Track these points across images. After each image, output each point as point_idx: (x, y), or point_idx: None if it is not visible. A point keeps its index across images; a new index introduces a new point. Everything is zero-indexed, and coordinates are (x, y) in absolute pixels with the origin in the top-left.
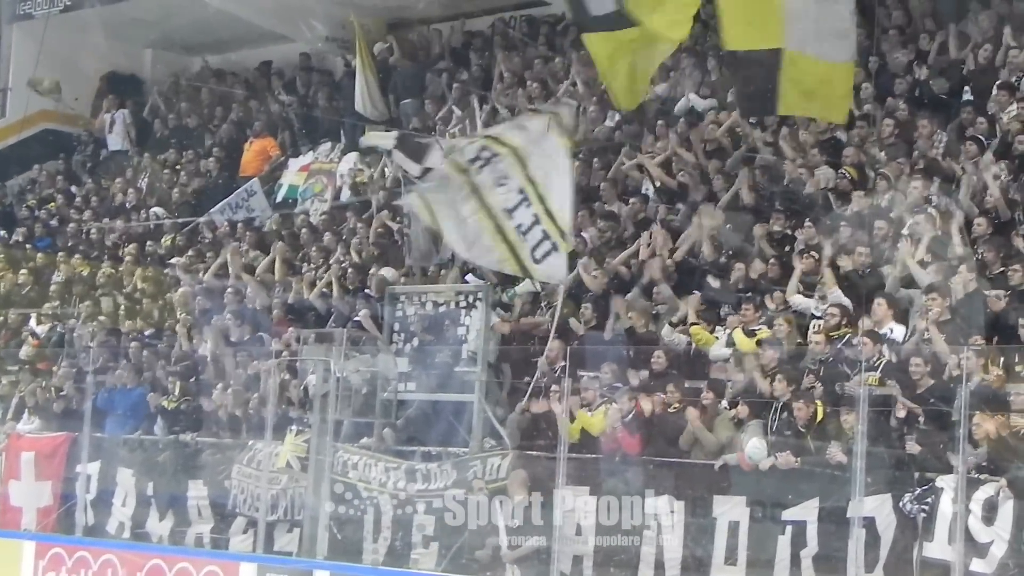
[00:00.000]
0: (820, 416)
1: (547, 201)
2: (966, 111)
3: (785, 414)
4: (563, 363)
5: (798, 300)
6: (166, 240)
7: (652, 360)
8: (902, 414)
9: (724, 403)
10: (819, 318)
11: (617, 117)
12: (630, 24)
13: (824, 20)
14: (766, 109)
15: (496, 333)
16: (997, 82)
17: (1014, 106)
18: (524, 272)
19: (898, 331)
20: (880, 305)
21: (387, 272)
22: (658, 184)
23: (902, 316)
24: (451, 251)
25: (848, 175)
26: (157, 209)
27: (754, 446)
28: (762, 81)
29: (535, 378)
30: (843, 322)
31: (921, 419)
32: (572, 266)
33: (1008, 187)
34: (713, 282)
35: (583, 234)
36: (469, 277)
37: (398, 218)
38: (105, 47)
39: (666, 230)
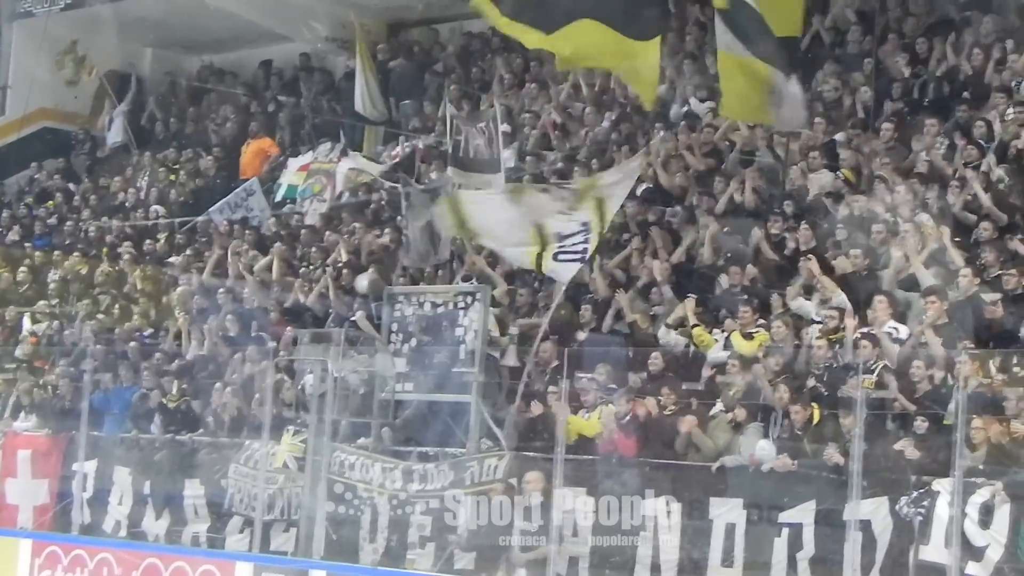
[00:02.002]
0: (817, 419)
1: (604, 230)
2: (964, 114)
3: (786, 419)
4: (556, 363)
5: (799, 303)
6: (160, 238)
7: (649, 362)
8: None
9: (721, 406)
10: (819, 322)
11: (613, 118)
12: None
13: None
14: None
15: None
16: (995, 86)
17: (1011, 110)
18: (537, 267)
19: (902, 330)
20: (881, 302)
21: (362, 278)
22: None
23: (900, 317)
24: (448, 251)
25: (844, 177)
26: (157, 207)
27: (763, 448)
28: None
29: (527, 380)
30: (841, 325)
31: (918, 421)
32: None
33: (1010, 191)
34: (721, 283)
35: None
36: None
37: (397, 218)
38: (105, 45)
39: (664, 232)
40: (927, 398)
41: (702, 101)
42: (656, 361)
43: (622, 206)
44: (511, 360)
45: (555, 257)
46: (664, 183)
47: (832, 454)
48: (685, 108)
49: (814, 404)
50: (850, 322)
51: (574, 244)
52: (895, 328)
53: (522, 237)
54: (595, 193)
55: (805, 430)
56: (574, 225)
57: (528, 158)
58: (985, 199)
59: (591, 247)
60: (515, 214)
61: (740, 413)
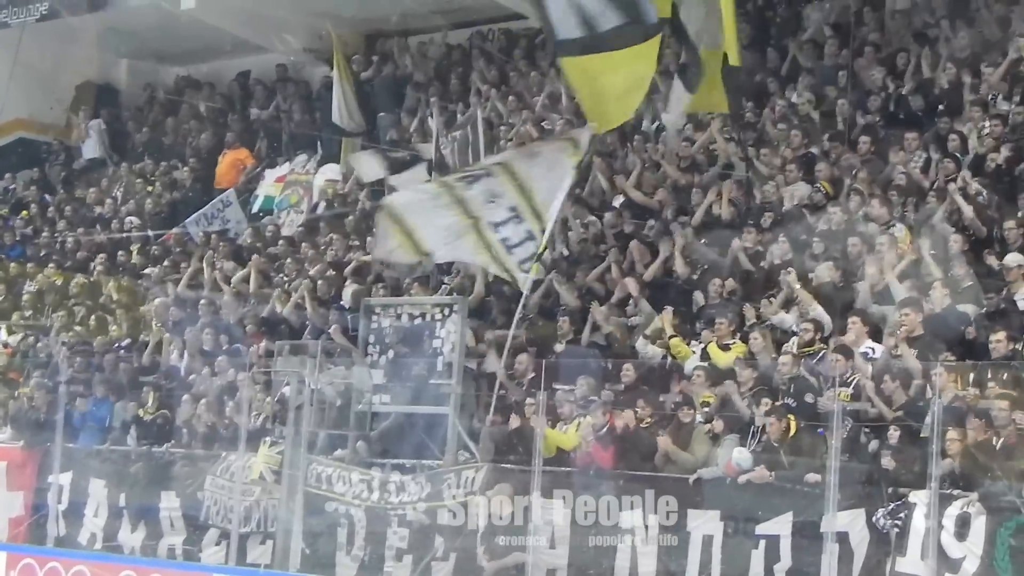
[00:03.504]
0: (793, 430)
1: (543, 219)
2: (945, 127)
3: (764, 434)
4: (532, 375)
5: (780, 317)
6: (134, 249)
7: (622, 374)
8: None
9: (699, 418)
10: (797, 334)
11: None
12: (596, 51)
13: None
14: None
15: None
16: (971, 99)
17: (987, 123)
18: (510, 277)
19: (878, 350)
20: (855, 323)
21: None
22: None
23: (875, 333)
24: (433, 263)
25: (823, 190)
26: (132, 218)
27: (741, 453)
28: None
29: (500, 391)
30: (816, 338)
31: (891, 431)
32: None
33: (988, 204)
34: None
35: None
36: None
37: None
38: (81, 57)
39: (641, 244)
40: (903, 410)
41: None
42: (628, 373)
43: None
44: (492, 365)
45: (523, 269)
46: (640, 197)
47: (814, 476)
48: (656, 123)
49: (790, 416)
50: (839, 337)
51: (522, 245)
52: (871, 348)
53: (470, 243)
54: (508, 171)
55: (782, 442)
56: (502, 212)
57: None
58: (968, 211)
59: (538, 246)
60: (452, 217)
61: (718, 425)
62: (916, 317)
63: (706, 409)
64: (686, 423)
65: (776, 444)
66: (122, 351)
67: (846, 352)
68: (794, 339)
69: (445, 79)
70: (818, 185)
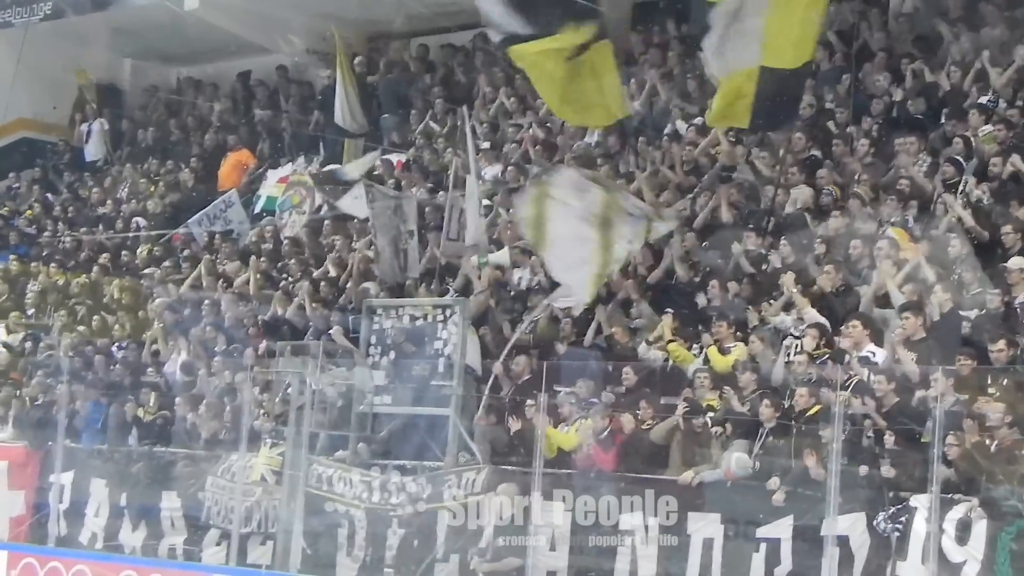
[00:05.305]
0: (815, 408)
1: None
2: (946, 129)
3: (771, 437)
4: (528, 377)
5: (780, 319)
6: (142, 251)
7: (622, 376)
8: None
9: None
10: (797, 337)
11: (596, 134)
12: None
13: None
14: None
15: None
16: (974, 103)
17: (990, 127)
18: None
19: (879, 354)
20: (855, 327)
21: (370, 285)
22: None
23: (878, 337)
24: (418, 270)
25: (833, 194)
26: (139, 219)
27: (740, 460)
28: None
29: (508, 393)
30: (822, 343)
31: (888, 436)
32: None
33: (991, 209)
34: (699, 299)
35: None
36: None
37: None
38: (84, 57)
39: (643, 247)
40: (902, 413)
41: (684, 118)
42: (629, 376)
43: None
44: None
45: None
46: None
47: (813, 464)
48: (668, 127)
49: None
50: (841, 341)
51: None
52: (872, 352)
53: (583, 255)
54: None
55: (803, 414)
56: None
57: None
58: (966, 217)
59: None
60: (590, 230)
61: (727, 428)
62: (916, 321)
63: (711, 415)
64: (699, 433)
65: (796, 418)
66: (123, 351)
67: (842, 357)
68: (798, 342)
69: (448, 81)
70: (828, 189)
